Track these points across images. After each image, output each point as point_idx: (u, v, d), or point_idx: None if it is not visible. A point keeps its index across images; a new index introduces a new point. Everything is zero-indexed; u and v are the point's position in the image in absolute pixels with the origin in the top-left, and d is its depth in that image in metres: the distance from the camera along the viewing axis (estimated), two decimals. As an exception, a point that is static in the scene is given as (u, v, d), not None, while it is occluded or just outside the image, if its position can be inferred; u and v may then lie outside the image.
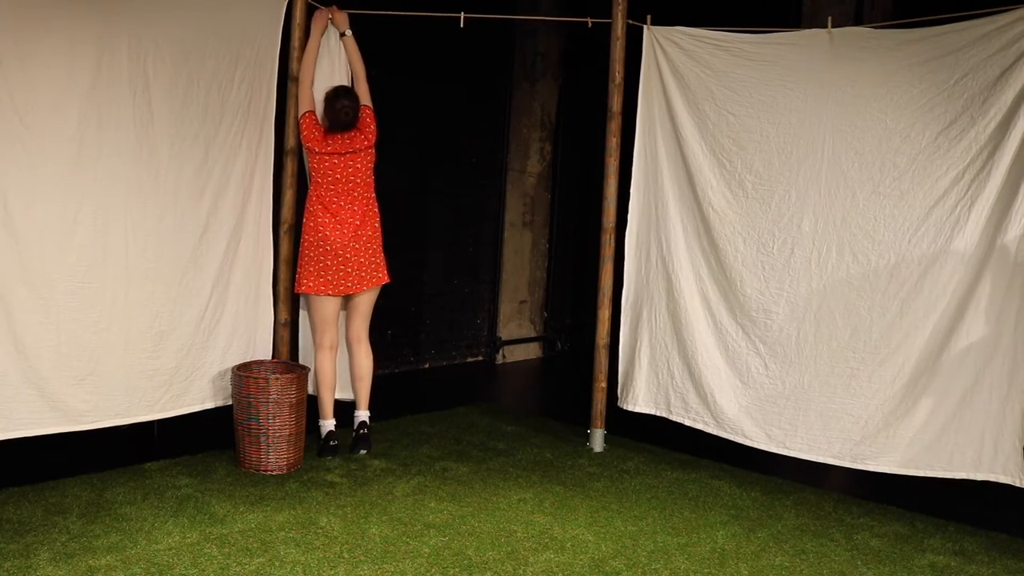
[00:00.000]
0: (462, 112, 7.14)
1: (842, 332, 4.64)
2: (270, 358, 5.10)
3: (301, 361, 5.21)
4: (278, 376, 4.76)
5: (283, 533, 3.97)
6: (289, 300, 5.16)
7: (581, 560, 3.85)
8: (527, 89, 7.61)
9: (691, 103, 5.06)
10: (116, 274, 4.46)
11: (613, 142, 5.24)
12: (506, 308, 7.69)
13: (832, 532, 4.27)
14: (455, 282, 7.37)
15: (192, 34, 4.63)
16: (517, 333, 7.80)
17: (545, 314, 8.04)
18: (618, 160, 5.28)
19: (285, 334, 5.16)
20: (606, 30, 5.20)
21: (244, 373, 4.75)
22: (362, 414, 5.10)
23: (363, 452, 5.00)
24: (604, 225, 5.27)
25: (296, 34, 5.00)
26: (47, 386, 4.28)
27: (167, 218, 4.63)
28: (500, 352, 7.63)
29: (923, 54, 4.43)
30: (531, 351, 7.93)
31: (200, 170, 4.73)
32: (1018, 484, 4.27)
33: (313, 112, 4.95)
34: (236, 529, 3.99)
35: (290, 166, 5.08)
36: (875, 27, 4.74)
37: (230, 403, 4.84)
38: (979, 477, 4.36)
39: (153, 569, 3.58)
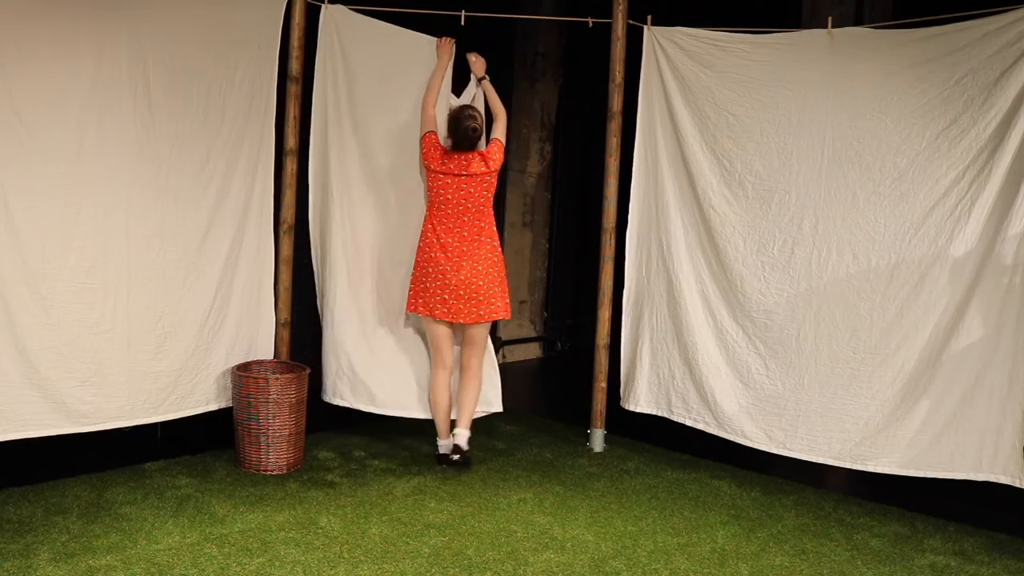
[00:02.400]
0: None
1: (842, 332, 4.64)
2: (271, 358, 5.10)
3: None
4: (278, 376, 4.76)
5: (283, 533, 3.97)
6: (289, 300, 5.16)
7: (581, 560, 3.85)
8: (527, 89, 7.61)
9: (691, 103, 5.06)
10: (118, 275, 4.46)
11: (613, 142, 5.24)
12: (506, 308, 7.69)
13: (832, 532, 4.27)
14: (455, 282, 7.35)
15: (192, 34, 4.62)
16: (517, 333, 7.80)
17: (545, 314, 8.04)
18: (618, 160, 5.28)
19: (285, 334, 5.16)
20: (606, 30, 5.21)
21: (244, 373, 4.75)
22: (462, 435, 4.89)
23: (455, 458, 4.86)
24: (604, 225, 5.28)
25: (295, 34, 5.00)
26: (49, 387, 4.27)
27: (169, 219, 4.62)
28: (500, 352, 7.63)
29: (923, 54, 4.43)
30: (531, 351, 7.93)
31: (202, 171, 4.73)
32: (1018, 484, 4.27)
33: (435, 132, 4.94)
34: (236, 529, 3.99)
35: (290, 166, 5.08)
36: (875, 27, 4.74)
37: (232, 404, 4.84)
38: (979, 478, 4.36)
39: (153, 569, 3.58)
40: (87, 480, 4.43)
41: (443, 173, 4.84)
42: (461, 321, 4.84)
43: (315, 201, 5.19)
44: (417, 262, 4.91)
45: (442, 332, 4.93)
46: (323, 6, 5.07)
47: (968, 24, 4.32)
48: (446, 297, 4.80)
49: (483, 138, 4.98)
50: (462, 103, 5.07)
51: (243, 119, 4.86)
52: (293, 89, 5.03)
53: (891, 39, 4.55)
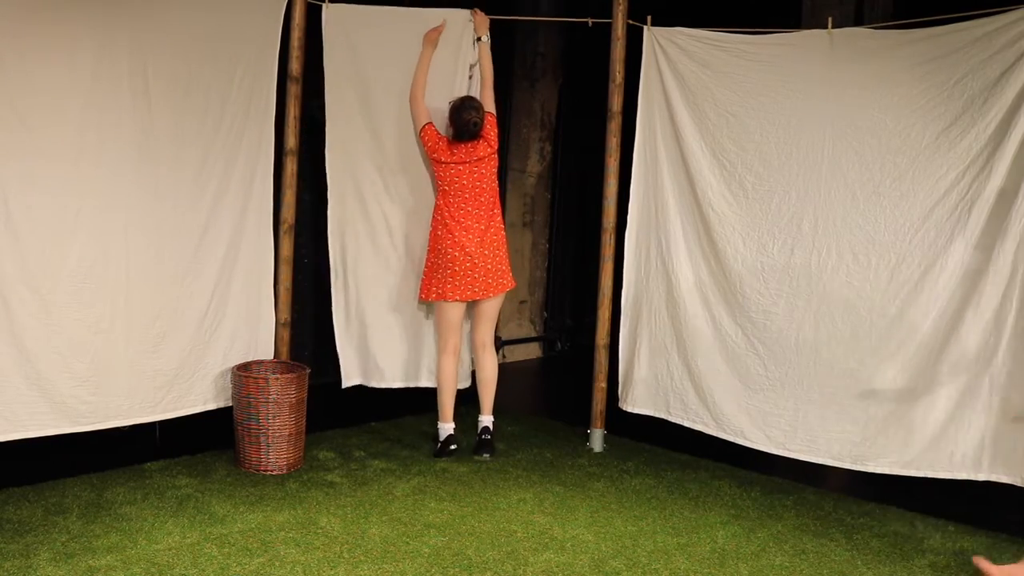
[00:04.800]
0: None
1: (842, 333, 4.63)
2: (271, 358, 5.09)
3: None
4: (278, 376, 4.76)
5: (283, 533, 3.97)
6: (289, 300, 5.16)
7: (581, 560, 3.85)
8: (527, 89, 7.60)
9: (691, 103, 5.06)
10: (117, 274, 4.46)
11: (613, 142, 5.24)
12: (506, 308, 7.69)
13: (832, 532, 4.27)
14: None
15: (191, 34, 4.62)
16: (517, 333, 7.79)
17: (545, 314, 8.04)
18: (618, 160, 5.28)
19: (285, 334, 5.16)
20: (606, 30, 5.21)
21: (244, 373, 4.75)
22: (486, 419, 5.15)
23: (485, 456, 5.04)
24: (604, 225, 5.28)
25: (295, 34, 5.00)
26: (48, 387, 4.27)
27: (168, 218, 4.62)
28: (500, 352, 7.63)
29: (923, 54, 4.43)
30: (531, 351, 7.93)
31: (201, 170, 4.73)
32: (1019, 484, 4.27)
33: (432, 123, 5.00)
34: (236, 529, 3.99)
35: (290, 166, 5.08)
36: (875, 27, 4.74)
37: (232, 404, 4.84)
38: (980, 477, 4.36)
39: (153, 569, 3.58)
40: (87, 480, 4.43)
41: (454, 163, 4.92)
42: (486, 295, 4.97)
43: (336, 200, 5.21)
44: (435, 249, 4.96)
45: (457, 316, 5.03)
46: (324, 5, 5.07)
47: (968, 24, 4.32)
48: (476, 276, 4.92)
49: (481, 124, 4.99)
50: (463, 94, 5.11)
51: (242, 119, 4.86)
52: (293, 89, 5.03)
53: (891, 39, 4.54)
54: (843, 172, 4.63)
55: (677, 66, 5.09)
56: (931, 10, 4.50)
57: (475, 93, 5.15)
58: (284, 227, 5.10)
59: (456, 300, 4.96)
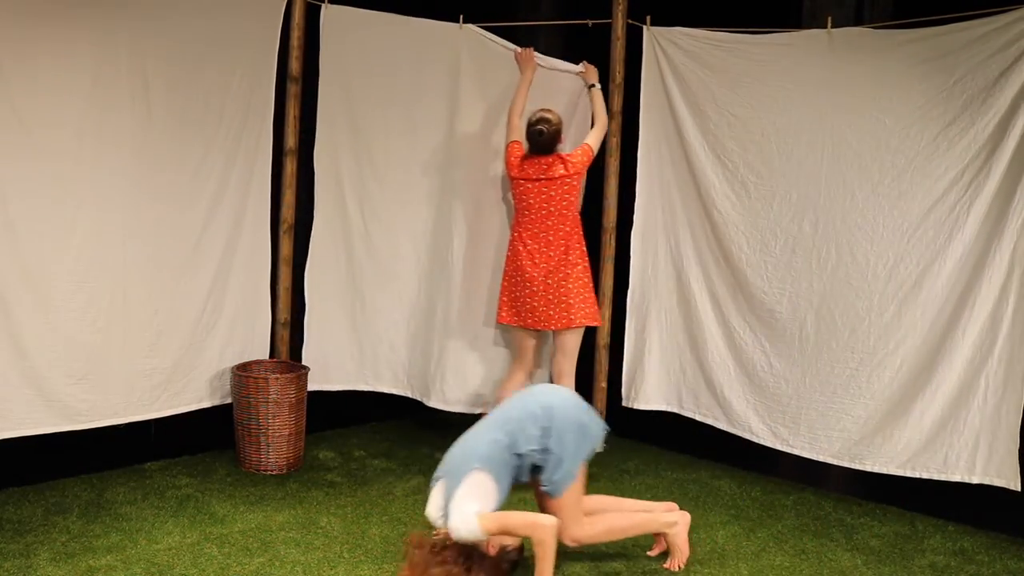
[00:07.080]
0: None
1: (842, 332, 4.64)
2: (268, 357, 5.10)
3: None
4: (278, 376, 4.76)
5: (283, 533, 3.98)
6: (289, 300, 5.16)
7: (581, 560, 3.85)
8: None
9: (692, 103, 5.06)
10: (114, 273, 4.47)
11: (613, 142, 5.25)
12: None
13: (832, 532, 4.27)
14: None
15: (191, 34, 4.62)
16: (517, 333, 7.78)
17: (545, 314, 8.02)
18: (618, 160, 5.29)
19: (285, 334, 5.16)
20: (606, 30, 5.20)
21: (244, 373, 4.75)
22: None
23: None
24: (604, 225, 5.29)
25: (295, 34, 5.00)
26: (45, 385, 4.28)
27: (166, 218, 4.63)
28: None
29: (923, 54, 4.43)
30: (531, 351, 7.91)
31: (199, 170, 4.73)
32: (1012, 487, 4.26)
33: (518, 141, 4.93)
34: (236, 529, 3.99)
35: (290, 166, 5.09)
36: (875, 27, 4.74)
37: (228, 402, 4.85)
38: (974, 480, 4.35)
39: (153, 569, 3.59)
40: (87, 480, 4.44)
41: (523, 179, 4.82)
42: (552, 327, 4.80)
43: (323, 202, 5.20)
44: (506, 272, 4.89)
45: (524, 342, 4.93)
46: (323, 6, 5.07)
47: (967, 24, 4.32)
48: (536, 305, 4.78)
49: (559, 139, 4.84)
50: (457, 109, 5.07)
51: (241, 119, 4.86)
52: (293, 89, 5.03)
53: (890, 39, 4.54)
54: (842, 172, 4.63)
55: (678, 66, 5.09)
56: (931, 10, 4.49)
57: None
58: (284, 227, 5.11)
59: (517, 325, 4.86)
